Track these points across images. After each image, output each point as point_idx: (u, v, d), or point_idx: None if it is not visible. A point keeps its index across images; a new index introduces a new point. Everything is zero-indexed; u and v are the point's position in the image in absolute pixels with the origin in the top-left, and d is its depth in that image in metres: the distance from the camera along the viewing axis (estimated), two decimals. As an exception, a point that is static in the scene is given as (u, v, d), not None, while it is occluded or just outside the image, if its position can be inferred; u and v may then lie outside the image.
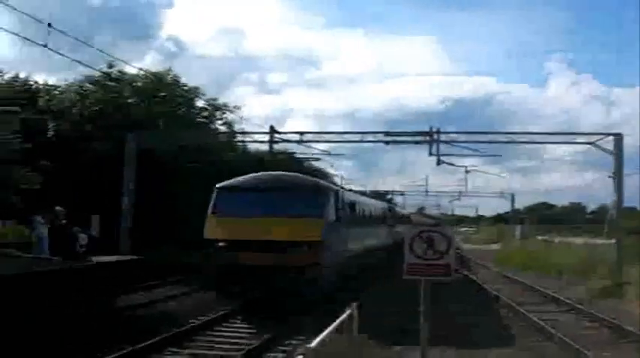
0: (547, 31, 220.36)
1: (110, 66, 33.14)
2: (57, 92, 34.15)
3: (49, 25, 14.13)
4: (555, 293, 22.64)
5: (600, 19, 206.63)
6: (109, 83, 34.45)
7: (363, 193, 45.16)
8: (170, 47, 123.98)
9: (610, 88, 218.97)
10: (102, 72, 32.60)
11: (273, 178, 19.30)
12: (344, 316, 6.01)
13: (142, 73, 34.45)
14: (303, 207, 17.54)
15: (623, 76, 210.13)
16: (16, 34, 14.59)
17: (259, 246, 16.43)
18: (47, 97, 32.63)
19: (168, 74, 37.04)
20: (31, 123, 24.27)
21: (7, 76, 31.97)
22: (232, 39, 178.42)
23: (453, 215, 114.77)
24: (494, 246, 60.64)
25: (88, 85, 34.63)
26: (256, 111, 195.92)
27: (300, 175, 21.03)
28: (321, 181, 22.44)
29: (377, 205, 34.68)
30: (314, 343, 4.49)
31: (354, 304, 6.42)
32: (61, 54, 15.36)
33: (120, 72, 34.24)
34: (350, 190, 34.22)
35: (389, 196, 72.72)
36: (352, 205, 23.03)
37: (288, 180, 19.39)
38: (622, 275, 24.35)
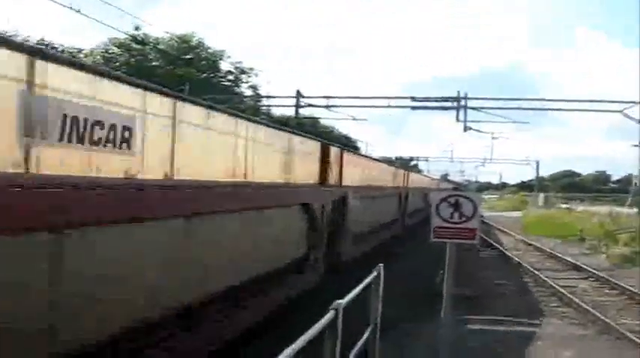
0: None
1: (137, 28, 33.35)
2: (82, 55, 34.53)
3: (81, -10, 14.26)
4: (576, 261, 22.74)
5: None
6: (135, 46, 34.70)
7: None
8: (196, 10, 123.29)
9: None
10: (128, 34, 32.87)
11: None
12: (371, 277, 6.27)
13: (166, 35, 34.65)
14: None
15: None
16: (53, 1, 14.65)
17: None
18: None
19: (193, 36, 37.21)
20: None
21: (33, 40, 32.37)
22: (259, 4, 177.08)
23: (476, 181, 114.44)
24: (517, 214, 60.58)
25: (113, 48, 34.94)
26: (283, 77, 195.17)
27: None
28: None
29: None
30: (344, 300, 4.75)
31: (381, 265, 6.68)
32: (94, 19, 15.55)
33: (145, 34, 34.45)
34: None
35: (414, 162, 72.66)
36: None
37: None
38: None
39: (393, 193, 26.52)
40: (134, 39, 33.68)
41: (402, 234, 28.11)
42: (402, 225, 28.60)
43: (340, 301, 4.48)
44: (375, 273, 6.38)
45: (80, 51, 35.18)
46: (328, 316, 4.33)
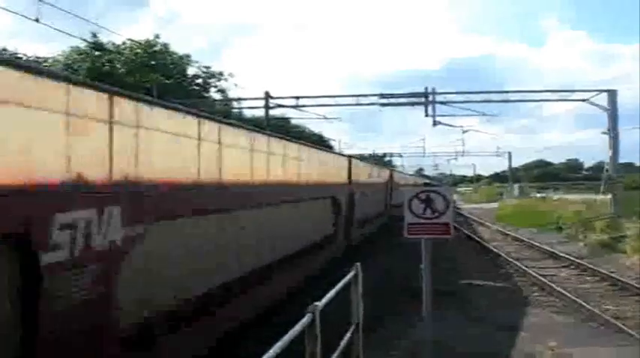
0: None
1: (94, 35, 32.68)
2: (46, 64, 33.82)
3: (40, -1, 13.88)
4: (554, 249, 22.74)
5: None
6: (98, 53, 34.07)
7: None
8: (163, 13, 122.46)
9: (608, 44, 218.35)
10: (87, 42, 32.18)
11: None
12: (349, 276, 5.99)
13: (129, 42, 34.07)
14: None
15: (621, 31, 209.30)
16: (7, 10, 14.23)
17: None
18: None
19: (157, 42, 36.64)
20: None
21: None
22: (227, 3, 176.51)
23: (451, 175, 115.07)
24: (493, 205, 60.87)
25: (75, 56, 34.28)
26: (252, 78, 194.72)
27: None
28: None
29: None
30: (321, 303, 4.46)
31: (358, 264, 6.40)
32: (53, 27, 15.12)
33: (101, 42, 33.83)
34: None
35: (387, 159, 72.75)
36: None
37: None
38: (619, 230, 24.40)
39: (382, 188, 32.56)
40: (93, 45, 33.03)
41: (389, 220, 32.32)
42: (388, 211, 33.52)
43: (317, 303, 4.21)
44: (352, 272, 6.12)
45: (46, 60, 34.51)
46: (304, 320, 4.07)
